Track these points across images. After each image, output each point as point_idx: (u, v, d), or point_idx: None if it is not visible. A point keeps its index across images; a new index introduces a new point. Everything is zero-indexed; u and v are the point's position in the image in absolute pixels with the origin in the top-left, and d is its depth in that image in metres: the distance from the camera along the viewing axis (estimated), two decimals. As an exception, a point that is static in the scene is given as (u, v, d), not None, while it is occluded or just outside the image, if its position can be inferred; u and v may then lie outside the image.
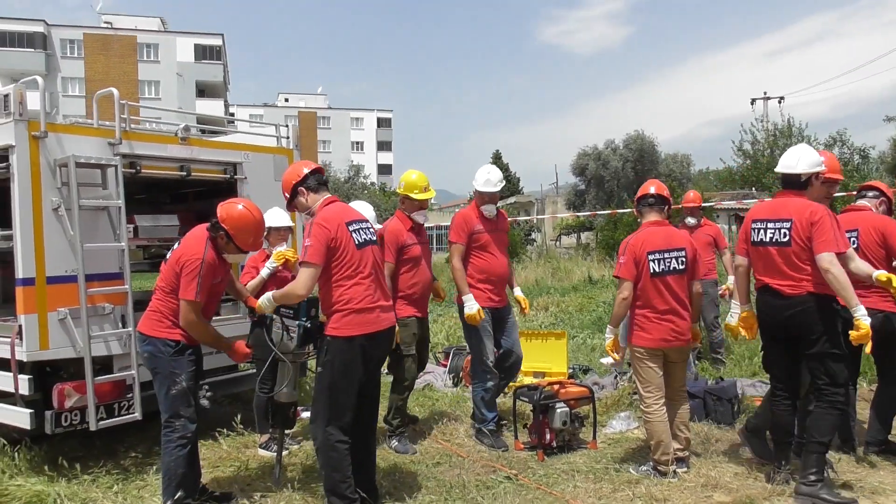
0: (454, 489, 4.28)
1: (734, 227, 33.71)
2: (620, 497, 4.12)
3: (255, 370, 5.82)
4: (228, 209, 4.08)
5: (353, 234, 3.84)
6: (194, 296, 3.88)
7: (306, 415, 6.18)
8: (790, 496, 4.02)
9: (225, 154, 5.73)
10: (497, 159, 59.17)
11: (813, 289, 4.03)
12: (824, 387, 4.03)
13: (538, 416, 5.06)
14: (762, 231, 4.23)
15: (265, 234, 5.14)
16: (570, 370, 7.33)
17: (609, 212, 24.38)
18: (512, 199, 44.14)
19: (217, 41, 54.60)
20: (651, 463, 4.50)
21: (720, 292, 7.52)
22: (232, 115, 56.36)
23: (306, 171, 4.01)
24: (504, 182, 5.67)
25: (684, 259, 4.59)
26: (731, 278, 7.62)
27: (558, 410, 5.03)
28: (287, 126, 6.41)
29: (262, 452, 5.20)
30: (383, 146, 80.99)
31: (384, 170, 77.81)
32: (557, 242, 37.40)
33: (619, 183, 33.91)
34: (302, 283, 3.73)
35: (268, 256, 5.28)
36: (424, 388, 7.22)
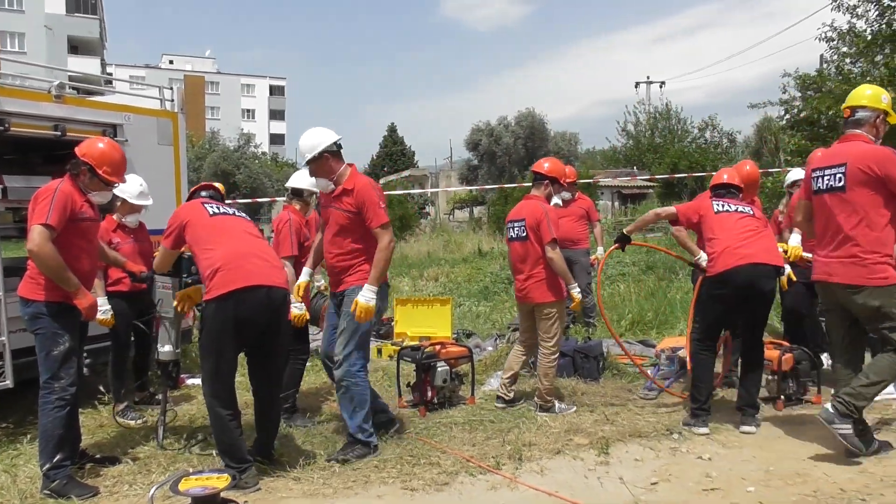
0: (339, 444, 4.48)
1: (617, 203, 35.55)
2: (492, 443, 4.47)
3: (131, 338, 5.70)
4: (88, 145, 4.12)
5: (207, 207, 4.16)
6: (45, 218, 3.74)
7: (191, 381, 6.22)
8: (637, 436, 4.53)
9: (104, 115, 5.57)
10: (392, 132, 59.10)
11: None
12: None
13: (420, 374, 5.34)
14: None
15: (118, 202, 5.18)
16: (455, 335, 7.67)
17: (497, 186, 25.00)
18: (406, 173, 44.35)
19: (93, -7, 50.93)
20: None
21: (591, 260, 8.06)
22: (110, 74, 52.99)
23: (194, 190, 4.52)
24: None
25: (523, 227, 5.12)
26: (600, 248, 8.22)
27: (439, 369, 5.33)
28: (171, 88, 6.28)
29: (119, 420, 5.12)
30: (276, 115, 78.61)
31: (276, 139, 75.71)
32: (451, 216, 38.04)
33: (511, 159, 34.83)
34: (158, 258, 4.30)
35: (119, 225, 5.29)
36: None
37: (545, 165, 5.34)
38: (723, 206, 4.93)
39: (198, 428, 4.86)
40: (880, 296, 3.97)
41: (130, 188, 5.21)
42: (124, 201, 5.24)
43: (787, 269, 5.57)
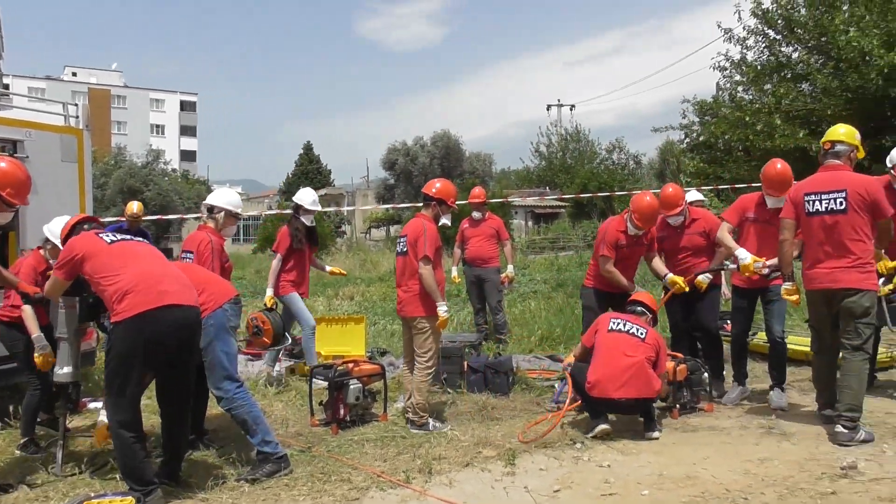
0: (247, 464, 4.46)
1: (530, 223, 36.48)
2: (403, 458, 4.56)
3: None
4: None
5: (102, 237, 4.05)
6: None
7: (93, 405, 6.01)
8: (543, 446, 4.73)
9: (3, 130, 5.38)
10: (308, 150, 58.50)
11: None
12: None
13: (333, 392, 5.38)
14: None
15: (49, 246, 4.95)
16: (369, 353, 7.72)
17: (414, 205, 25.24)
18: (323, 192, 44.02)
19: (-12, 2, 48.30)
20: None
21: (501, 278, 8.32)
22: (6, 86, 50.15)
23: (74, 223, 4.36)
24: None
25: (405, 242, 5.31)
26: (510, 267, 8.48)
27: (352, 387, 5.38)
28: (77, 104, 6.12)
29: (18, 453, 4.81)
30: (187, 131, 76.46)
31: (188, 156, 73.61)
32: (367, 235, 38.01)
33: (427, 178, 35.08)
34: (48, 286, 4.20)
35: (48, 267, 4.95)
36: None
37: (434, 187, 5.46)
38: (617, 324, 5.21)
39: (100, 452, 4.72)
40: (870, 298, 4.80)
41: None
42: (55, 245, 4.87)
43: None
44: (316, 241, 7.22)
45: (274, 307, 6.47)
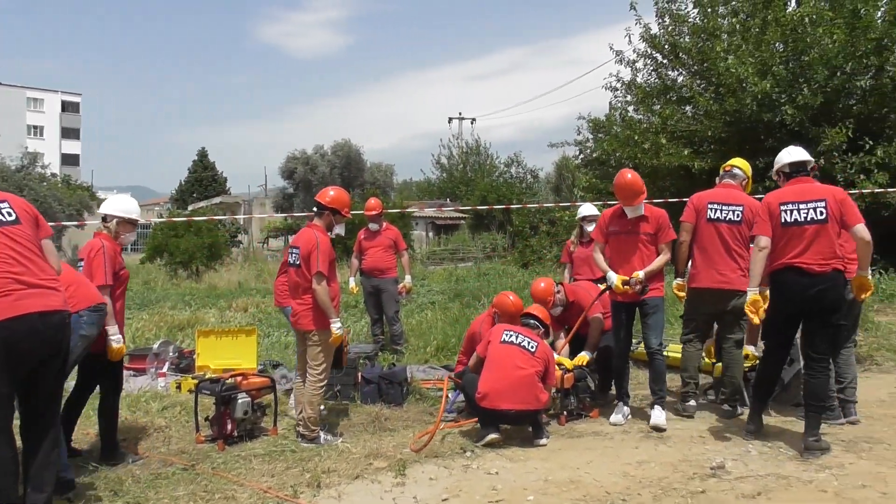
0: (125, 483, 4.24)
1: (431, 234, 36.75)
2: (292, 473, 4.47)
3: None
4: None
5: None
6: None
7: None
8: (434, 456, 4.76)
9: None
10: (203, 157, 56.55)
11: (839, 266, 4.74)
12: (819, 356, 4.81)
13: (220, 407, 5.19)
14: (794, 212, 4.75)
15: None
16: (261, 366, 7.52)
17: (307, 214, 24.90)
18: (217, 200, 42.64)
19: None
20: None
21: (399, 289, 8.33)
22: None
23: None
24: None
25: (297, 255, 5.21)
26: (408, 277, 8.51)
27: (240, 401, 5.22)
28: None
29: None
30: (69, 133, 72.06)
31: (70, 160, 69.33)
32: (265, 245, 37.06)
33: (327, 188, 34.85)
34: None
35: None
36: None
37: (328, 196, 5.37)
38: (510, 336, 5.33)
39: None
40: (744, 297, 5.27)
41: None
42: None
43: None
44: None
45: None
